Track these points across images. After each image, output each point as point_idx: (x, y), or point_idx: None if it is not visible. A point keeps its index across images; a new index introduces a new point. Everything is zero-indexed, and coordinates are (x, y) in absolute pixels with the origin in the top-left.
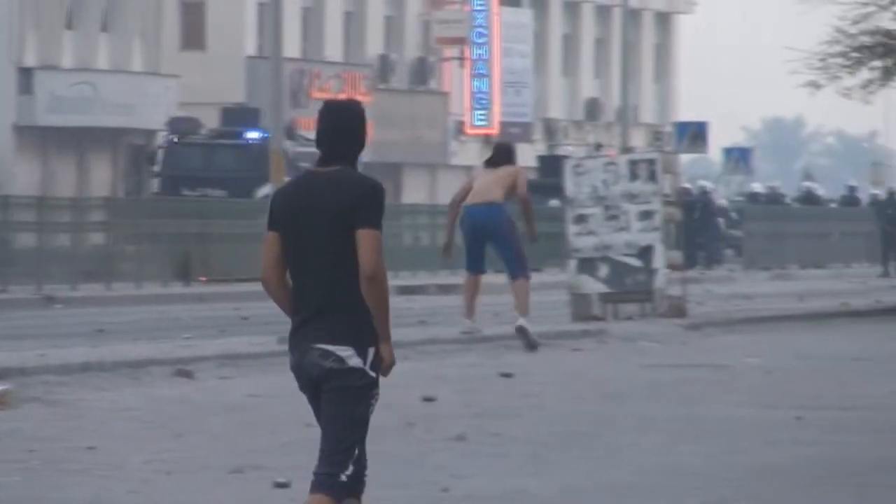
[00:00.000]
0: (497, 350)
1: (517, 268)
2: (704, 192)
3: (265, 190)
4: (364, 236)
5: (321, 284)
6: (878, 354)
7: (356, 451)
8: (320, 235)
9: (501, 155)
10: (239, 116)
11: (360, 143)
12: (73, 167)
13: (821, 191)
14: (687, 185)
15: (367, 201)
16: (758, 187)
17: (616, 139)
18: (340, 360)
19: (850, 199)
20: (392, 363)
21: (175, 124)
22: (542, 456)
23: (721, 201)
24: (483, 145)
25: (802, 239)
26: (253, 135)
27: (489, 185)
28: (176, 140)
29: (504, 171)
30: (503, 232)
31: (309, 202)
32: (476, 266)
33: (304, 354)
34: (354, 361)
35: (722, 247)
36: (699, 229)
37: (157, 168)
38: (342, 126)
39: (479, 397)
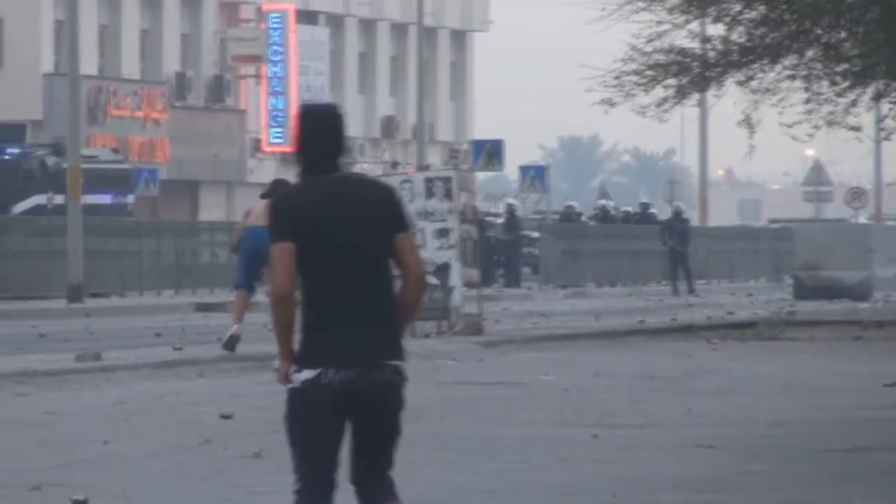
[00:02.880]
0: None
1: None
2: (511, 210)
3: (24, 205)
4: (409, 239)
5: (373, 294)
6: (673, 372)
7: None
8: (369, 242)
9: (276, 190)
10: (3, 132)
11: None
12: None
13: (615, 210)
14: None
15: (401, 203)
16: (577, 207)
17: (412, 157)
18: (404, 376)
19: (644, 217)
20: None
21: None
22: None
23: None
24: (280, 163)
25: (598, 257)
26: (13, 150)
27: (263, 211)
28: None
29: None
30: None
31: (344, 208)
32: (248, 282)
33: (372, 370)
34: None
35: (521, 265)
36: (500, 246)
37: None
38: (336, 130)
39: (276, 414)
